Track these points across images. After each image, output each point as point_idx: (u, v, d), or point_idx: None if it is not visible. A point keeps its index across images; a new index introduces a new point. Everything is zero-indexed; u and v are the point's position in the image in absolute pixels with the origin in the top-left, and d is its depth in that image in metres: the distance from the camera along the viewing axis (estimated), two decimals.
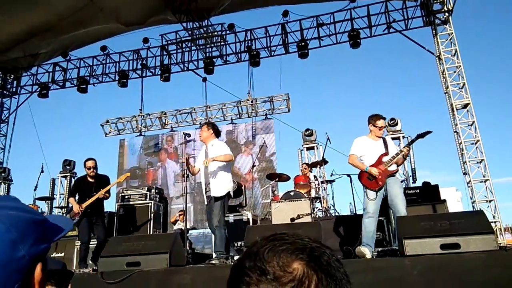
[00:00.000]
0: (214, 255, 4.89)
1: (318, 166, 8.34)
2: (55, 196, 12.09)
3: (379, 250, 5.21)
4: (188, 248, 6.17)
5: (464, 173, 9.05)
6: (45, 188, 11.88)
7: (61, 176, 12.23)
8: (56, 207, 11.96)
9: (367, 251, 4.25)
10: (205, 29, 10.77)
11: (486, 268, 3.27)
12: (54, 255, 6.87)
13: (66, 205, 11.87)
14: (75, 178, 12.01)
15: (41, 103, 17.10)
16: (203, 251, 9.28)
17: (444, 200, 6.29)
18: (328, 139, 7.63)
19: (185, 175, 5.38)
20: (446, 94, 9.63)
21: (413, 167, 10.01)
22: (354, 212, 7.62)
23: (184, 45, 11.72)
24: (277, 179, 7.75)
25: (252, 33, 11.26)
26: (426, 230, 3.65)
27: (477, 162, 8.88)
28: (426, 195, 6.47)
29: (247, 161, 11.74)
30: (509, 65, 29.62)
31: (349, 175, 7.41)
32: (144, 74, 12.15)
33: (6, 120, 12.92)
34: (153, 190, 7.78)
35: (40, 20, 9.69)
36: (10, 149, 12.62)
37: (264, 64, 11.08)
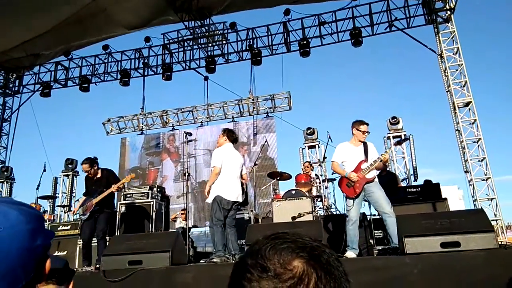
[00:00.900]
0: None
1: (319, 164, 8.35)
2: (57, 194, 12.15)
3: (380, 248, 5.23)
4: (189, 246, 6.19)
5: (466, 171, 9.05)
6: (48, 187, 11.96)
7: (63, 175, 12.29)
8: (58, 206, 12.01)
9: (352, 254, 4.55)
10: (206, 27, 10.78)
11: (486, 266, 3.28)
12: (56, 253, 6.91)
13: (68, 203, 11.92)
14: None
15: (43, 102, 17.17)
16: (205, 250, 9.30)
17: (445, 199, 6.29)
18: (329, 137, 7.63)
19: (187, 174, 5.42)
20: (448, 93, 9.62)
21: (414, 165, 10.03)
22: None
23: (185, 44, 11.73)
24: (278, 178, 7.76)
25: (253, 31, 11.26)
26: (426, 229, 3.67)
27: (479, 160, 8.88)
28: (427, 193, 6.48)
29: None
30: (511, 63, 29.54)
31: None
32: (145, 73, 12.18)
33: (8, 119, 12.97)
34: (155, 189, 7.82)
35: (46, 25, 9.76)
36: (12, 148, 12.68)
37: (266, 63, 11.11)
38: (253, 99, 12.38)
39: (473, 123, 9.11)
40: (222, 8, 10.20)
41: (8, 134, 12.85)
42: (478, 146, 8.94)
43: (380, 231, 6.16)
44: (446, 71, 9.60)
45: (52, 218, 10.96)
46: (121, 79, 11.82)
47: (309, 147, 11.13)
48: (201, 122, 13.15)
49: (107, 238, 5.92)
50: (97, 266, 4.99)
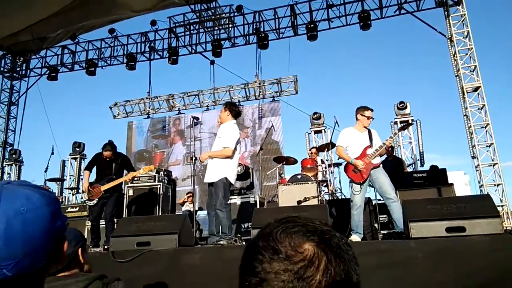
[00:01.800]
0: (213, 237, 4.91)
1: (326, 149, 8.34)
2: (65, 177, 12.31)
3: (385, 233, 5.27)
4: (196, 229, 6.28)
5: (473, 157, 9.01)
6: (56, 170, 12.11)
7: (71, 158, 12.42)
8: (66, 188, 12.18)
9: (357, 238, 4.59)
10: (213, 11, 10.66)
11: (491, 252, 3.30)
12: None
13: (76, 186, 12.08)
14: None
15: (50, 86, 17.21)
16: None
17: (452, 184, 6.27)
18: (336, 122, 7.60)
19: (193, 158, 5.43)
20: (457, 77, 9.50)
21: (421, 150, 9.98)
22: None
23: (192, 28, 11.64)
24: (284, 162, 7.78)
25: (260, 15, 11.11)
26: (432, 213, 3.68)
27: (486, 146, 8.82)
28: (433, 178, 6.47)
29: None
30: None
31: None
32: (152, 57, 12.14)
33: (16, 102, 13.06)
34: (161, 172, 7.88)
35: (51, 8, 9.71)
36: (21, 131, 12.81)
37: (272, 47, 11.00)
38: (259, 83, 12.32)
39: (481, 108, 9.02)
40: None
41: (16, 117, 12.97)
42: (486, 131, 8.86)
43: (385, 216, 6.18)
44: (455, 55, 9.46)
45: (61, 200, 11.14)
46: (127, 63, 11.80)
47: (316, 132, 11.10)
48: (207, 106, 13.15)
49: (115, 220, 6.01)
50: (105, 247, 5.09)
